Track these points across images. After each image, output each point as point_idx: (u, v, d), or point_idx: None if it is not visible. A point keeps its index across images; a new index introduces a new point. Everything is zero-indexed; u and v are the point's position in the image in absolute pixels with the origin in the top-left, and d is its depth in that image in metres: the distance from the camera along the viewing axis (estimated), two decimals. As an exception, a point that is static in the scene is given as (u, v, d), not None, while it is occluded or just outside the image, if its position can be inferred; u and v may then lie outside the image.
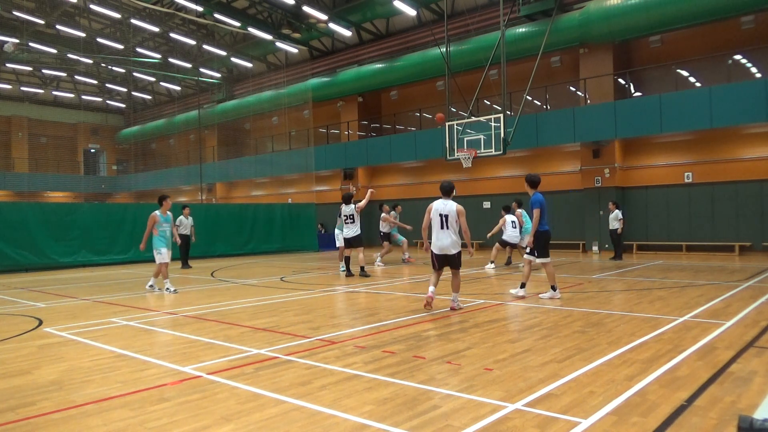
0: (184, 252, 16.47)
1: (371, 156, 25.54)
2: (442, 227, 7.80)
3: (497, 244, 15.07)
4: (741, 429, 2.83)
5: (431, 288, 7.83)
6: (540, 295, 9.00)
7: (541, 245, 8.86)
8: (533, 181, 9.10)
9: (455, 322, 7.08)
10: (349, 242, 12.98)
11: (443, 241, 7.81)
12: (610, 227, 16.32)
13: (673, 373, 4.54)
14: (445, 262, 7.91)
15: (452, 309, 7.82)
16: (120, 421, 3.72)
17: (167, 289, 10.61)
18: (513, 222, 14.66)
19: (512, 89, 20.57)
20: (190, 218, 16.62)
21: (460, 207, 7.83)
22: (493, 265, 14.56)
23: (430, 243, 7.99)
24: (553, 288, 8.79)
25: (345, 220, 13.02)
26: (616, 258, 16.30)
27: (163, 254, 10.65)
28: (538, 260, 8.93)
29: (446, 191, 8.07)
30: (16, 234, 16.13)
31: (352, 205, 12.98)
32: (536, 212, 8.68)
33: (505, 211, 15.09)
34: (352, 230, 12.86)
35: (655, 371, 4.59)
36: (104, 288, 11.87)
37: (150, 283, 10.97)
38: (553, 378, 4.46)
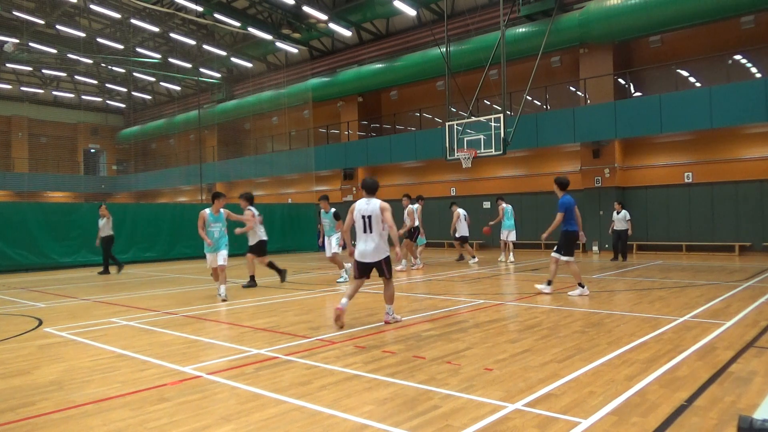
0: (106, 255, 15.13)
1: (371, 156, 25.53)
2: (365, 230, 6.86)
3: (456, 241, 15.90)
4: (741, 429, 2.83)
5: (344, 300, 6.74)
6: (568, 294, 9.18)
7: (568, 245, 9.07)
8: (562, 183, 9.19)
9: (455, 322, 7.08)
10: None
11: (366, 246, 6.84)
12: (618, 228, 15.94)
13: (673, 373, 4.54)
14: (368, 270, 6.93)
15: (386, 323, 6.91)
16: (120, 421, 3.71)
17: (218, 294, 9.38)
18: (465, 216, 15.76)
19: (512, 89, 20.56)
20: (110, 217, 15.10)
21: (385, 204, 6.88)
22: (476, 260, 15.72)
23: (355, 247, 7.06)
24: (581, 285, 9.05)
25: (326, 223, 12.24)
26: (624, 258, 16.11)
27: (207, 259, 9.64)
28: (563, 258, 9.11)
29: (368, 188, 7.08)
30: (16, 234, 16.12)
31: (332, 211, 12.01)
32: (559, 216, 8.96)
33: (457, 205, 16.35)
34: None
35: (655, 371, 4.59)
36: (104, 288, 11.87)
37: (219, 291, 9.41)
38: (553, 378, 4.46)
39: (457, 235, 16.08)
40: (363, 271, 6.94)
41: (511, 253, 16.75)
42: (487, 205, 23.17)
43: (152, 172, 39.91)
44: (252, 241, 11.32)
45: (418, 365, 4.94)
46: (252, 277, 11.35)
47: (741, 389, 4.11)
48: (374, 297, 9.55)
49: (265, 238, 11.48)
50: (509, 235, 16.66)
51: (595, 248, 19.82)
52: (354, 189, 27.05)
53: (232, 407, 3.93)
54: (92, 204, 22.05)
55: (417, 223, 14.78)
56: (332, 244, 12.18)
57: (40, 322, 7.59)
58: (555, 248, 9.27)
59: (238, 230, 10.60)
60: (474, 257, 16.12)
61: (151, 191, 39.71)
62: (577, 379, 4.44)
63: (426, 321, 7.13)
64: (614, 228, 16.15)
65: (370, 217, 6.83)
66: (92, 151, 42.90)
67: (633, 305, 8.06)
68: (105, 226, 15.11)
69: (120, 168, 43.99)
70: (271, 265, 11.50)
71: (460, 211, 15.88)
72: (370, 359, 5.17)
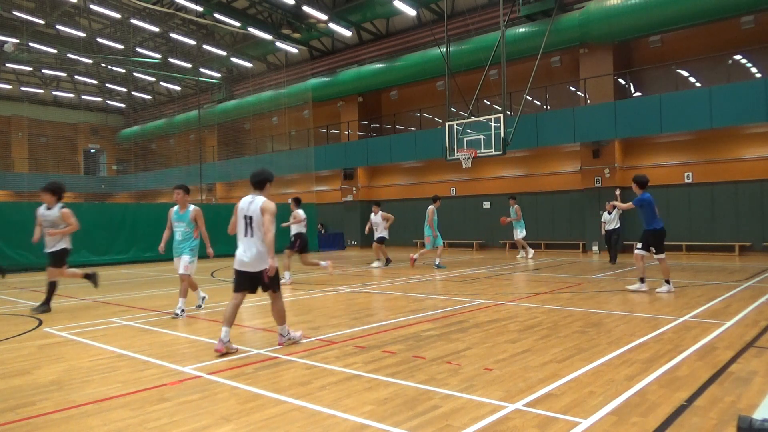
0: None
1: (371, 156, 25.53)
2: (245, 233, 5.70)
3: (375, 243, 15.82)
4: (741, 429, 2.83)
5: (224, 330, 5.49)
6: (657, 290, 9.30)
7: (658, 242, 9.24)
8: (641, 182, 9.45)
9: (455, 322, 7.08)
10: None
11: (245, 252, 5.66)
12: (612, 227, 15.47)
13: (673, 373, 4.54)
14: (249, 282, 5.71)
15: (280, 345, 5.80)
16: (120, 421, 3.72)
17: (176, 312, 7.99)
18: (385, 220, 15.64)
19: (512, 89, 20.56)
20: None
21: (268, 204, 5.73)
22: (378, 263, 15.52)
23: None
24: (667, 282, 9.29)
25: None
26: (612, 261, 15.52)
27: (174, 263, 8.34)
28: (656, 256, 9.29)
29: (256, 182, 5.87)
30: (16, 234, 16.11)
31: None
32: (630, 205, 9.45)
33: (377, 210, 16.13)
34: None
35: (655, 371, 4.59)
36: (104, 288, 11.87)
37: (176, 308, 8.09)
38: (553, 378, 4.46)
39: (376, 236, 15.73)
40: (242, 282, 5.70)
41: (531, 251, 17.92)
42: (487, 205, 23.18)
43: (152, 172, 39.91)
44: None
45: (418, 365, 4.94)
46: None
47: (741, 389, 4.11)
48: (374, 297, 9.55)
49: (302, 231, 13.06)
50: (520, 233, 17.57)
51: (595, 248, 19.82)
52: (354, 189, 27.06)
53: (232, 407, 3.93)
54: (92, 204, 22.06)
55: (432, 224, 14.87)
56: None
57: (40, 322, 7.59)
58: (639, 246, 9.41)
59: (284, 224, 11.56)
60: (380, 261, 15.78)
61: (151, 191, 39.69)
62: (577, 379, 4.44)
63: (426, 321, 7.12)
64: (606, 228, 15.60)
65: (251, 218, 5.68)
66: (92, 151, 42.89)
67: (633, 305, 8.06)
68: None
69: (120, 168, 43.98)
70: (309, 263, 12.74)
71: (382, 213, 15.78)
72: (370, 359, 5.17)
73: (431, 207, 14.91)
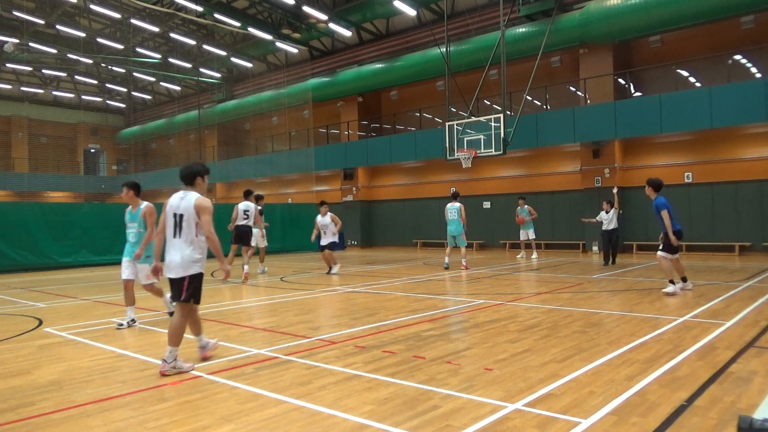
0: None
1: (371, 156, 25.53)
2: (174, 234, 5.08)
3: (325, 251, 14.00)
4: (741, 429, 2.83)
5: (169, 350, 4.87)
6: (663, 290, 9.23)
7: (669, 244, 9.14)
8: (657, 185, 9.26)
9: (455, 322, 7.08)
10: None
11: (172, 256, 5.06)
12: (609, 228, 14.74)
13: (673, 373, 4.54)
14: (176, 290, 5.13)
15: (162, 374, 4.80)
16: (120, 421, 3.72)
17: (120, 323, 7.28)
18: (333, 223, 13.92)
19: (512, 89, 20.56)
20: None
21: (203, 202, 5.07)
22: (338, 268, 13.80)
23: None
24: (684, 279, 9.35)
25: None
26: (613, 261, 14.90)
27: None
28: (671, 256, 9.13)
29: (185, 176, 5.23)
30: (16, 234, 16.12)
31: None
32: (666, 215, 8.96)
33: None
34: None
35: (655, 371, 4.59)
36: (104, 288, 11.86)
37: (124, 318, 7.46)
38: (553, 378, 4.46)
39: (322, 243, 14.03)
40: (174, 289, 5.15)
41: (534, 251, 18.15)
42: (487, 205, 23.18)
43: (152, 172, 39.91)
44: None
45: (418, 365, 4.93)
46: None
47: (741, 389, 4.11)
48: (374, 297, 9.55)
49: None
50: (529, 234, 17.77)
51: (595, 248, 19.82)
52: (354, 189, 27.06)
53: (232, 407, 3.94)
54: (92, 204, 22.07)
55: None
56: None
57: (40, 322, 7.59)
58: (660, 248, 9.22)
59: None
60: (332, 269, 13.94)
61: (151, 191, 39.63)
62: (577, 379, 4.44)
63: (426, 321, 7.12)
64: (604, 228, 14.84)
65: (182, 216, 5.06)
66: (92, 151, 42.89)
67: (633, 305, 8.06)
68: None
69: (120, 168, 43.98)
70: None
71: (331, 215, 14.09)
72: (370, 359, 5.17)
73: (460, 205, 14.30)
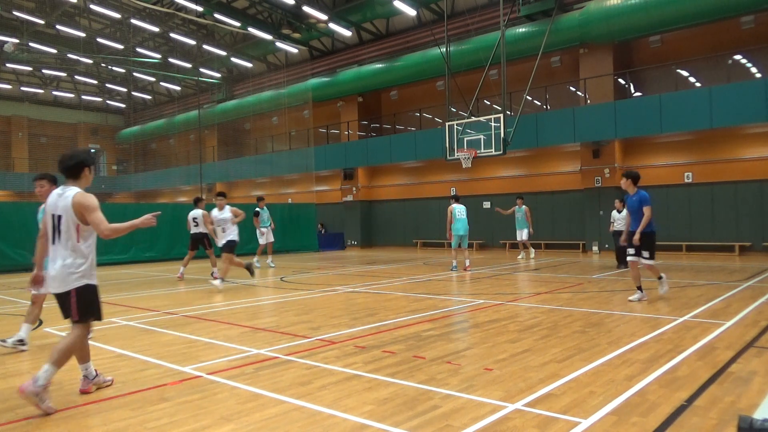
0: None
1: (371, 156, 25.54)
2: (53, 239, 4.32)
3: (224, 253, 11.57)
4: (741, 429, 2.83)
5: (82, 368, 4.43)
6: (629, 298, 8.55)
7: (653, 245, 8.38)
8: (637, 177, 8.40)
9: (455, 322, 7.08)
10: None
11: (50, 266, 4.35)
12: (620, 228, 13.51)
13: (673, 373, 4.54)
14: (61, 305, 4.47)
15: (82, 392, 4.38)
16: (120, 421, 3.72)
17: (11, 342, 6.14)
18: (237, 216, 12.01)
19: (512, 89, 20.56)
20: None
21: (84, 198, 4.24)
22: (220, 283, 10.95)
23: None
24: (640, 288, 8.46)
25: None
26: (623, 264, 13.64)
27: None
28: (648, 262, 8.32)
29: (66, 168, 4.49)
30: (16, 234, 16.12)
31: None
32: (648, 210, 8.17)
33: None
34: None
35: (655, 371, 4.59)
36: (104, 288, 11.81)
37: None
38: (553, 378, 4.46)
39: (220, 242, 11.46)
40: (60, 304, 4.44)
41: (533, 251, 18.09)
42: (487, 205, 23.18)
43: (152, 172, 39.92)
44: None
45: (418, 365, 4.93)
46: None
47: (741, 389, 4.11)
48: (374, 297, 9.55)
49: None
50: (524, 234, 17.59)
51: (595, 248, 19.82)
52: (354, 189, 27.06)
53: (232, 407, 3.93)
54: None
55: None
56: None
57: (40, 322, 7.59)
58: (636, 251, 8.35)
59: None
60: (220, 281, 11.06)
61: (151, 191, 39.70)
62: (577, 379, 4.44)
63: (426, 321, 7.12)
64: (614, 228, 14.01)
65: (60, 217, 4.26)
66: (92, 151, 42.86)
67: (633, 305, 8.06)
68: None
69: (120, 168, 43.98)
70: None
71: (231, 208, 11.66)
72: (370, 359, 5.17)
73: (525, 208, 15.07)
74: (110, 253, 18.22)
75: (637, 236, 8.22)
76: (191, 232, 13.33)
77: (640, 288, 8.47)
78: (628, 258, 8.57)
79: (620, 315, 7.28)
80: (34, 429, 3.62)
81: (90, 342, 6.23)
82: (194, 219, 13.25)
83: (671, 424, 3.46)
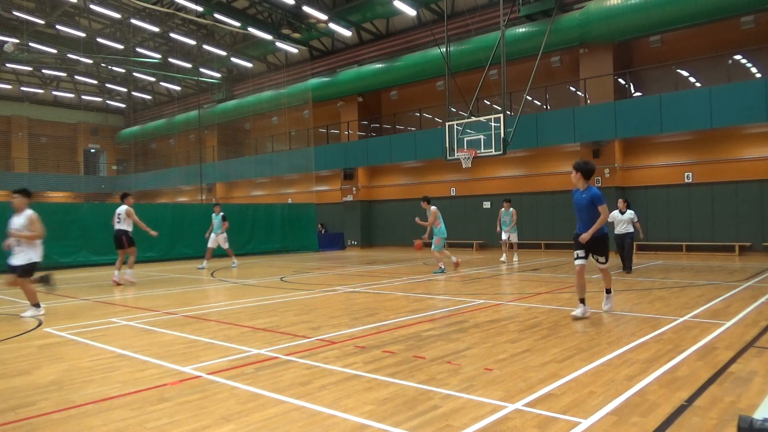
0: None
1: (371, 156, 25.54)
2: None
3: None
4: (741, 429, 2.83)
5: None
6: (571, 314, 7.25)
7: (607, 251, 7.39)
8: (589, 171, 7.18)
9: (455, 322, 7.07)
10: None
11: None
12: (621, 231, 12.75)
13: (673, 373, 4.54)
14: None
15: None
16: (120, 421, 3.71)
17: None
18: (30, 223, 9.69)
19: (512, 89, 20.57)
20: None
21: None
22: (33, 312, 8.22)
23: None
24: (582, 301, 7.15)
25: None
26: (629, 270, 12.88)
27: None
28: (603, 266, 7.43)
29: None
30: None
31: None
32: (605, 210, 7.03)
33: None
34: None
35: (655, 371, 4.59)
36: (104, 288, 11.87)
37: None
38: (553, 378, 4.46)
39: (10, 263, 8.26)
40: None
41: (516, 254, 17.35)
42: (487, 205, 23.18)
43: (152, 172, 39.92)
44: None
45: (418, 365, 4.93)
46: None
47: (741, 389, 4.11)
48: (375, 297, 9.55)
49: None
50: (512, 236, 16.74)
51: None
52: (354, 189, 27.06)
53: (232, 407, 3.93)
54: (92, 204, 22.07)
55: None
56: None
57: (40, 322, 7.59)
58: (586, 255, 7.22)
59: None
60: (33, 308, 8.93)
61: (151, 191, 39.70)
62: (577, 379, 4.43)
63: (426, 321, 7.12)
64: (618, 231, 12.80)
65: None
66: (92, 151, 42.90)
67: (633, 305, 8.06)
68: None
69: (120, 168, 43.99)
70: None
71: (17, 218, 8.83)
72: (370, 359, 5.17)
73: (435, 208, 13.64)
74: (110, 253, 18.17)
75: (587, 236, 6.99)
76: (114, 228, 12.27)
77: (583, 300, 7.13)
78: (576, 263, 7.23)
79: (620, 315, 7.28)
80: (34, 429, 3.62)
81: (90, 342, 6.24)
82: (119, 215, 12.29)
83: (671, 424, 3.46)
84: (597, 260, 7.38)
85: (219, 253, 20.90)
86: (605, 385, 4.26)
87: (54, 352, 5.78)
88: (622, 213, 12.80)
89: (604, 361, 4.94)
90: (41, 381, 4.71)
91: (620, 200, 12.93)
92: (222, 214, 16.55)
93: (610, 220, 12.51)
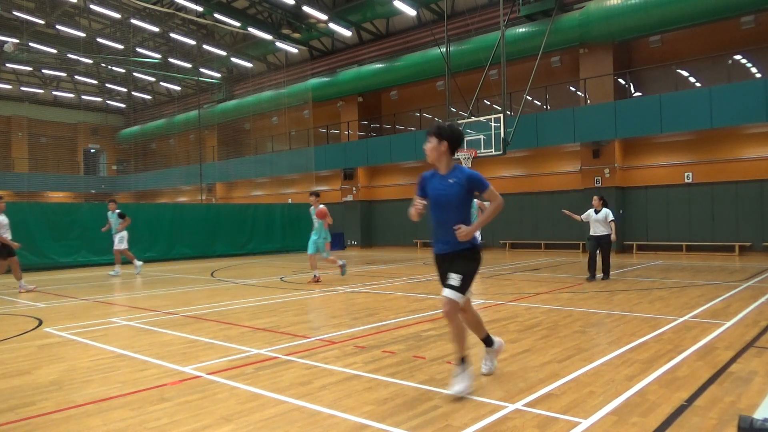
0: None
1: (371, 156, 25.54)
2: None
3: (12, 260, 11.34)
4: (741, 429, 2.83)
5: None
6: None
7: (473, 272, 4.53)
8: (459, 139, 4.71)
9: (455, 322, 7.06)
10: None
11: None
12: (596, 233, 11.15)
13: (673, 373, 4.54)
14: None
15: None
16: (120, 421, 3.71)
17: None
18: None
19: (512, 89, 20.57)
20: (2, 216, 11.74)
21: None
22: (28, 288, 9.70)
23: None
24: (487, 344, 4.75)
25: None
26: (606, 275, 11.31)
27: None
28: (455, 295, 4.47)
29: None
30: (16, 234, 16.02)
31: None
32: (493, 194, 4.75)
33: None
34: None
35: (655, 371, 4.59)
36: (104, 288, 11.87)
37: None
38: (553, 378, 4.46)
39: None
40: None
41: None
42: (487, 205, 23.17)
43: (152, 172, 39.92)
44: None
45: (418, 365, 4.93)
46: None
47: (741, 389, 4.11)
48: (375, 297, 9.55)
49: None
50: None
51: (595, 248, 19.81)
52: (354, 189, 27.06)
53: (232, 407, 3.93)
54: (92, 204, 22.07)
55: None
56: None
57: (40, 322, 7.59)
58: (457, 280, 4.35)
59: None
60: (26, 288, 11.18)
61: (151, 191, 39.71)
62: (577, 379, 4.43)
63: (426, 321, 7.12)
64: (593, 233, 11.24)
65: None
66: (92, 151, 42.90)
67: (633, 305, 8.06)
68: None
69: (120, 168, 44.00)
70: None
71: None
72: (370, 359, 5.17)
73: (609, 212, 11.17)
74: (110, 253, 18.19)
75: (466, 232, 4.32)
76: None
77: (464, 359, 4.19)
78: (444, 294, 4.38)
79: (620, 315, 7.28)
80: (34, 429, 3.62)
81: (90, 342, 6.24)
82: None
83: (671, 424, 3.46)
84: (449, 281, 4.35)
85: (213, 255, 20.94)
86: (605, 385, 4.26)
87: (54, 352, 5.78)
88: (597, 212, 11.13)
89: (604, 361, 4.94)
90: (41, 381, 4.71)
91: (595, 197, 11.35)
92: (119, 211, 14.62)
93: (585, 219, 11.41)
